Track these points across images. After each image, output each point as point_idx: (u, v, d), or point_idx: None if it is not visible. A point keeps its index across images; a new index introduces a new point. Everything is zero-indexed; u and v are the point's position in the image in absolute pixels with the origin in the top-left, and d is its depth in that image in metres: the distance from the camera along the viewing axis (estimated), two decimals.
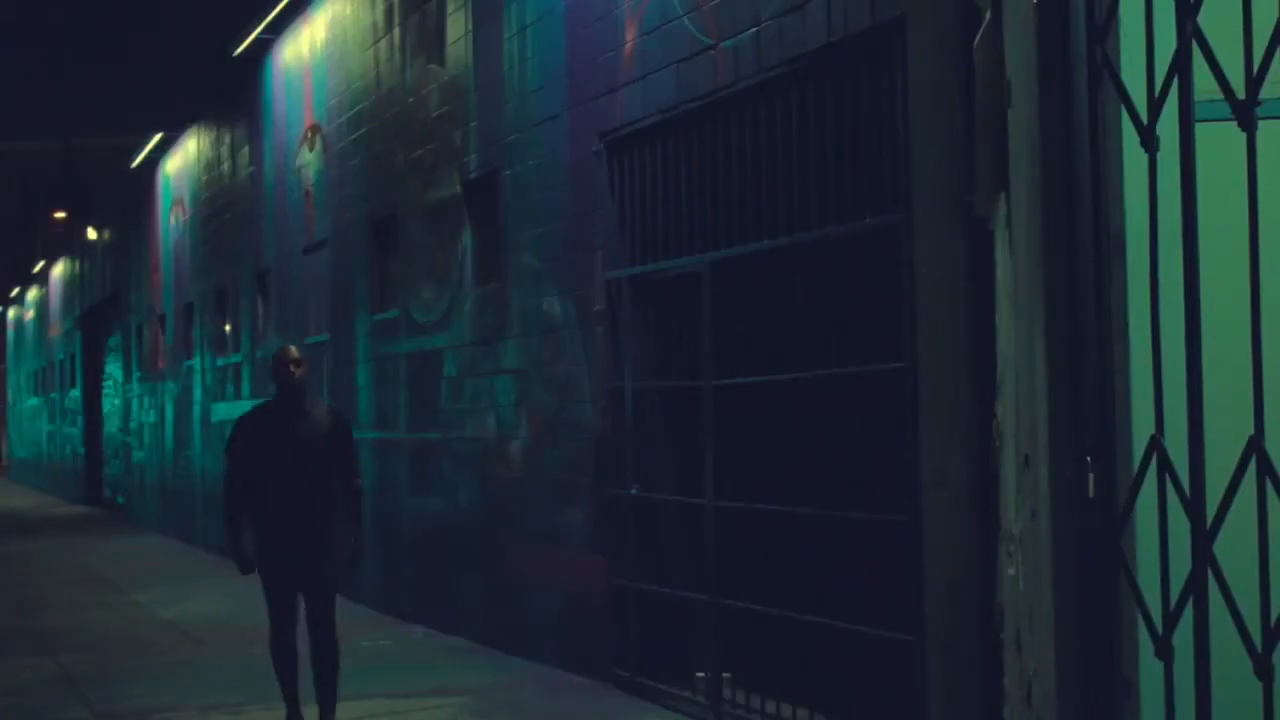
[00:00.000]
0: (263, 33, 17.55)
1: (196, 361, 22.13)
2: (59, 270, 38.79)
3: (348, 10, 15.03)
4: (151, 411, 25.97)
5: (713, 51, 8.43)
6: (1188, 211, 4.41)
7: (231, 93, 19.74)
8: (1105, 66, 4.96)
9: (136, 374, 27.72)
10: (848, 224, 7.41)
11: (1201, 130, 4.47)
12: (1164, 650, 4.57)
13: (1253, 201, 4.20)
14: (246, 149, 19.42)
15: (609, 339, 9.70)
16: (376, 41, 14.06)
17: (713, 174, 8.66)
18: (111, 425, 31.70)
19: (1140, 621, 4.78)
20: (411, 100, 13.13)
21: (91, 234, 32.75)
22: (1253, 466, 4.17)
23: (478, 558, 11.75)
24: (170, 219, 24.58)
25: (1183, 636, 4.49)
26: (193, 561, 19.71)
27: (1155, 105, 4.58)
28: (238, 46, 18.27)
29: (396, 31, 13.55)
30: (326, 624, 8.41)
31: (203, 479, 21.58)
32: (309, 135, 16.38)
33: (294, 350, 8.61)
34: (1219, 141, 4.65)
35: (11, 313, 52.04)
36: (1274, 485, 4.15)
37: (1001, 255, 5.79)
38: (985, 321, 6.04)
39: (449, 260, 12.36)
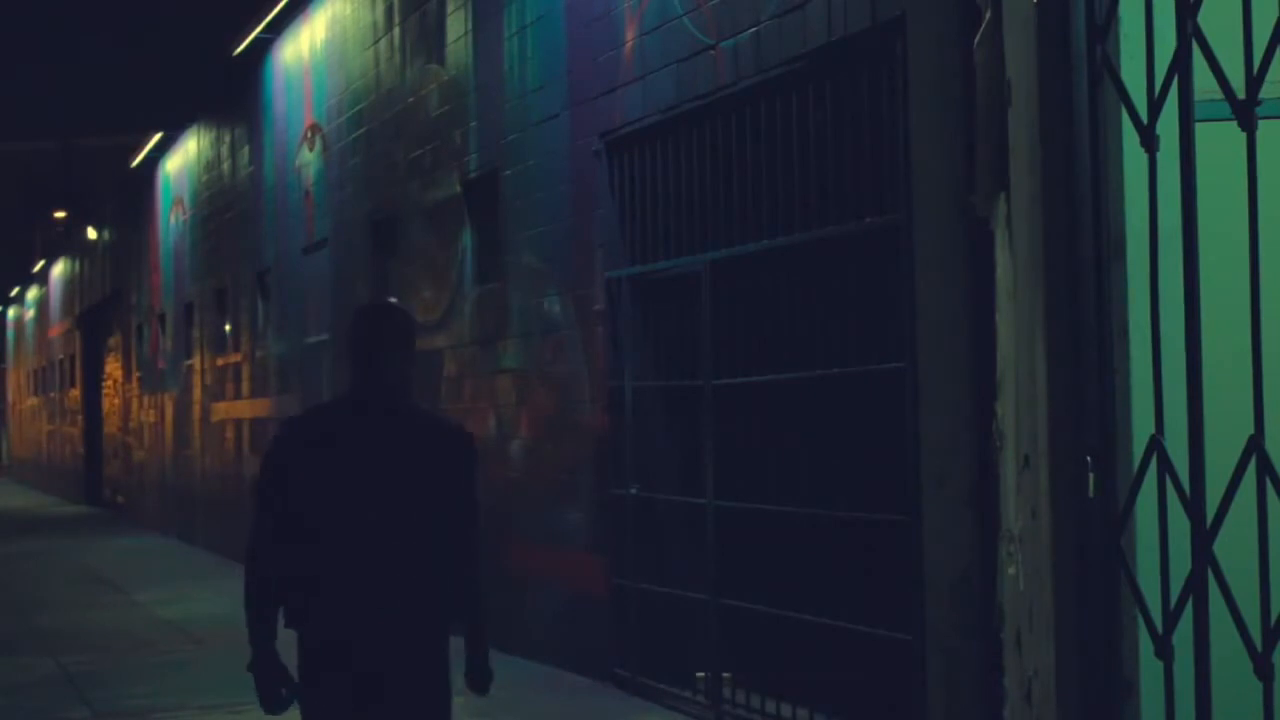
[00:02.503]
0: (263, 32, 17.55)
1: (196, 361, 22.14)
2: (59, 270, 38.80)
3: (348, 10, 15.03)
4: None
5: (713, 51, 8.42)
6: (1188, 211, 4.41)
7: (231, 93, 19.74)
8: (1105, 66, 4.96)
9: (137, 373, 27.73)
10: (848, 224, 7.41)
11: (1201, 130, 4.47)
12: (1164, 650, 4.57)
13: (1253, 201, 4.20)
14: (246, 149, 19.43)
15: (609, 339, 9.70)
16: (376, 41, 14.07)
17: (713, 174, 8.66)
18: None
19: (1140, 621, 4.78)
20: (411, 100, 13.13)
21: (91, 234, 32.75)
22: (1253, 466, 4.18)
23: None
24: (170, 219, 24.58)
25: (1183, 636, 4.49)
26: (193, 561, 19.71)
27: (1155, 105, 4.58)
28: (238, 46, 18.28)
29: (396, 31, 13.55)
30: None
31: (202, 479, 21.59)
32: (309, 135, 16.38)
33: (394, 306, 5.10)
34: (1219, 141, 4.66)
35: (11, 312, 52.06)
36: (1274, 485, 4.15)
37: (1001, 255, 5.80)
38: (985, 321, 6.04)
39: (449, 260, 12.36)
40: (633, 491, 9.45)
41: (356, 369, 4.76)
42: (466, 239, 12.06)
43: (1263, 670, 4.21)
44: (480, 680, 4.96)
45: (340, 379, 15.07)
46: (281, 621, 4.74)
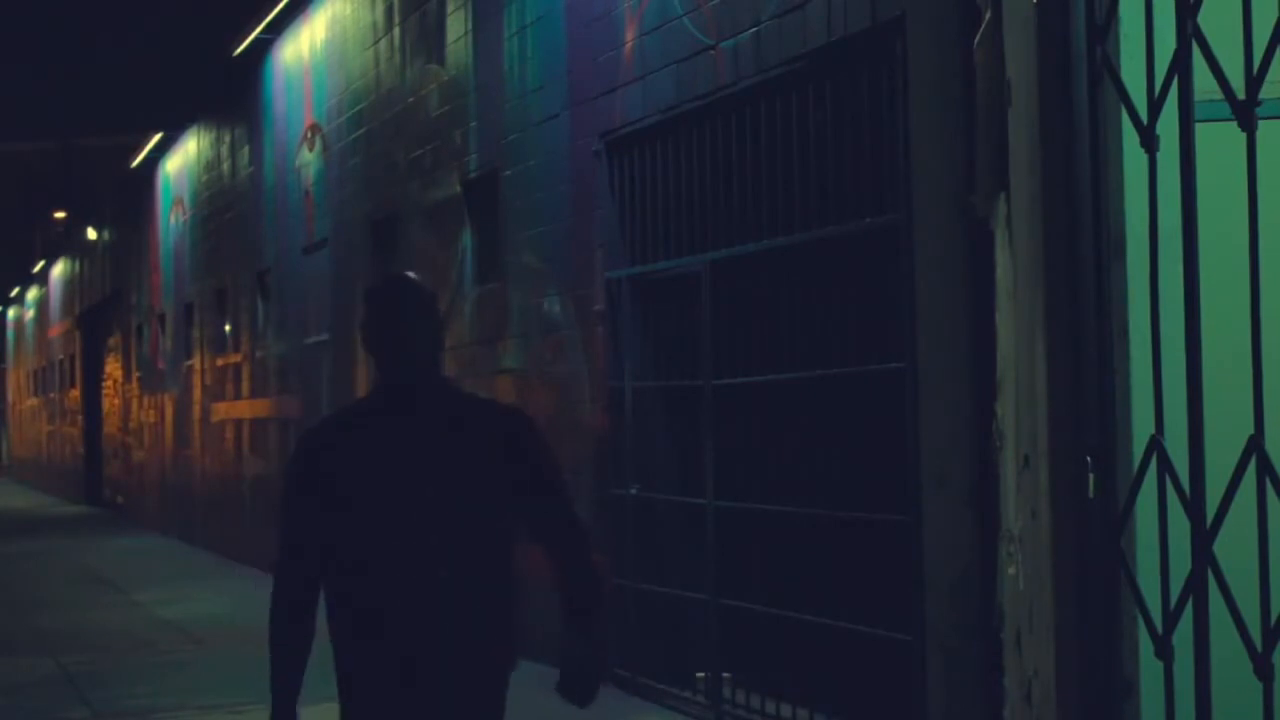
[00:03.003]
0: (263, 33, 17.55)
1: (196, 361, 22.14)
2: (59, 270, 38.81)
3: (348, 10, 15.03)
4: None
5: (713, 51, 8.42)
6: (1188, 211, 4.41)
7: (231, 93, 19.74)
8: (1105, 66, 4.96)
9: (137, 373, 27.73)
10: (848, 224, 7.41)
11: (1201, 130, 4.47)
12: (1164, 650, 4.57)
13: (1253, 201, 4.20)
14: (246, 149, 19.43)
15: (609, 339, 9.70)
16: (376, 41, 14.07)
17: (713, 174, 8.66)
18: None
19: (1140, 621, 4.78)
20: (411, 100, 13.13)
21: (91, 234, 32.75)
22: (1253, 466, 4.17)
23: None
24: (170, 219, 24.58)
25: (1183, 636, 4.49)
26: (193, 561, 19.71)
27: (1155, 105, 4.58)
28: (238, 46, 18.28)
29: (396, 31, 13.55)
30: None
31: (203, 479, 21.59)
32: (309, 135, 16.38)
33: (410, 279, 4.15)
34: (1219, 141, 4.66)
35: (11, 312, 52.06)
36: (1274, 485, 4.15)
37: (1001, 255, 5.79)
38: (985, 321, 6.04)
39: (449, 260, 12.36)
40: (633, 491, 9.44)
41: (382, 358, 3.98)
42: (466, 239, 12.06)
43: (1263, 670, 4.21)
44: (584, 688, 4.28)
45: (340, 378, 15.08)
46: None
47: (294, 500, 4.00)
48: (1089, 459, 5.13)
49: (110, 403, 31.88)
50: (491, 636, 4.07)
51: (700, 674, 8.78)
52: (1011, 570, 5.73)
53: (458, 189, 12.15)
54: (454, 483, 3.95)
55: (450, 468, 3.96)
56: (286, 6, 16.62)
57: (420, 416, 3.99)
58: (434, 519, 3.92)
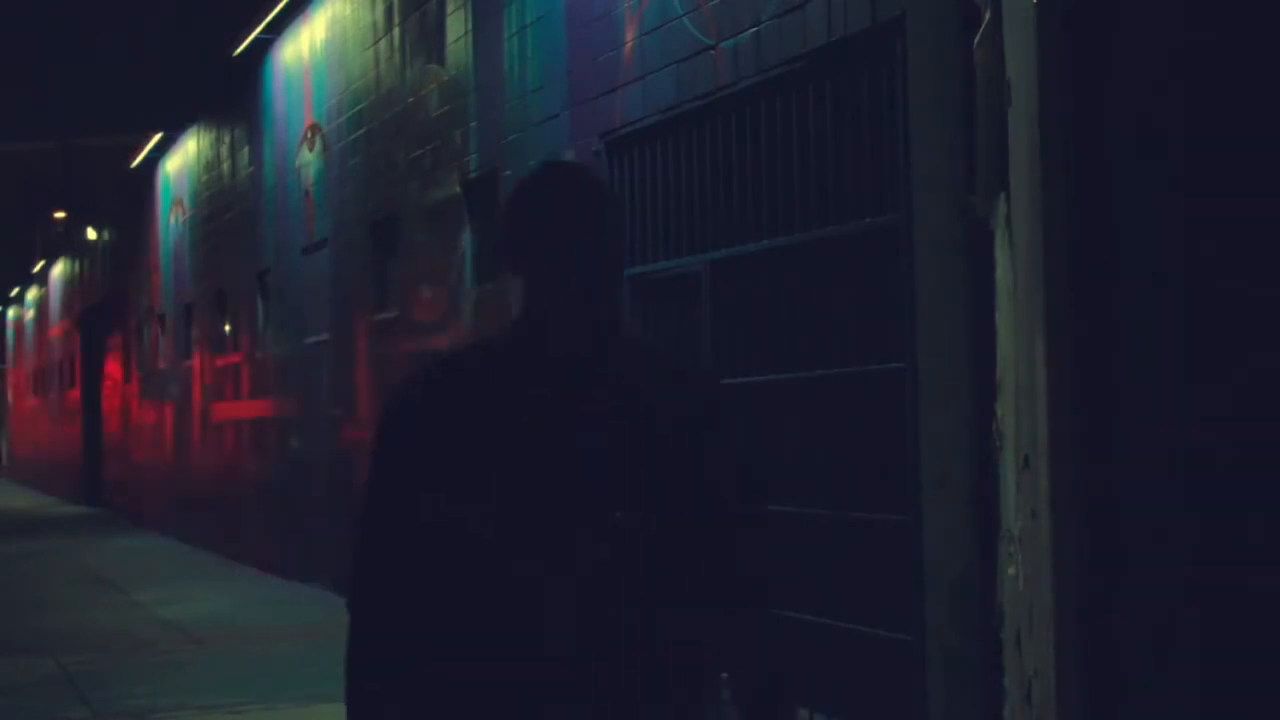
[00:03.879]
0: (263, 33, 17.57)
1: (196, 362, 22.14)
2: (59, 270, 38.81)
3: (348, 10, 15.03)
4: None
5: (713, 51, 8.42)
6: (1188, 210, 4.41)
7: (231, 93, 19.75)
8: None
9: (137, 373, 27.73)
10: (848, 224, 7.41)
11: None
12: None
13: None
14: (246, 149, 19.43)
15: None
16: (376, 41, 14.07)
17: (713, 173, 8.66)
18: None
19: (1139, 620, 4.78)
20: (411, 100, 13.13)
21: (91, 234, 32.76)
22: None
23: None
24: (170, 219, 24.58)
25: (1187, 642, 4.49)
26: (193, 561, 19.71)
27: None
28: (238, 46, 18.28)
29: (396, 31, 13.55)
30: None
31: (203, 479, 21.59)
32: (309, 135, 16.38)
33: (584, 171, 2.79)
34: None
35: (11, 312, 52.07)
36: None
37: (1001, 255, 5.79)
38: (985, 321, 6.04)
39: (449, 260, 12.36)
40: None
41: (533, 281, 2.74)
42: (466, 239, 12.06)
43: None
44: None
45: (340, 378, 15.05)
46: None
47: (396, 482, 2.75)
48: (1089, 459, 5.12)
49: (110, 403, 31.88)
50: (670, 653, 2.74)
51: None
52: (1011, 570, 5.73)
53: (458, 189, 12.15)
54: (623, 460, 2.70)
55: (619, 441, 2.70)
56: (286, 6, 16.63)
57: (580, 371, 2.73)
58: (596, 506, 2.68)
